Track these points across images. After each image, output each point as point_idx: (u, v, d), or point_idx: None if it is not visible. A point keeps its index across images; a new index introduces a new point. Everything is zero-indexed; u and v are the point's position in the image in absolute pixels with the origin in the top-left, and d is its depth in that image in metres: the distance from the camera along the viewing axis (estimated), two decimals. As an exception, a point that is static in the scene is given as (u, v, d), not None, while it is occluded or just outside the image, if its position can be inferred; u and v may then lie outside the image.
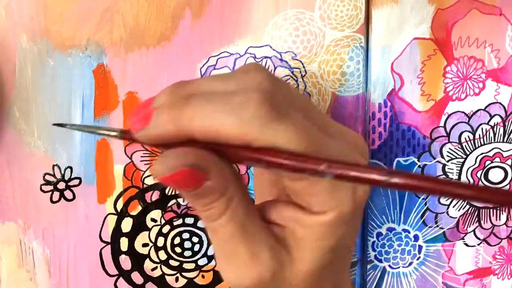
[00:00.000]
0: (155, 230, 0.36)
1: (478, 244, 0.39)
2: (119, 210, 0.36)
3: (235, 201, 0.24)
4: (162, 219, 0.36)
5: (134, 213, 0.36)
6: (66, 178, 0.35)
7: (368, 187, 0.26)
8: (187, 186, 0.23)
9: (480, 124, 0.37)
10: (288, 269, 0.26)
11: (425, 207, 0.38)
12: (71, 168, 0.35)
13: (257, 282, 0.25)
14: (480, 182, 0.38)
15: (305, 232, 0.25)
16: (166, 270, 0.37)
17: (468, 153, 0.38)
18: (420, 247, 0.39)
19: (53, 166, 0.35)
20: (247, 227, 0.25)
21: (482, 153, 0.38)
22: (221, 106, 0.22)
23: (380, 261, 0.38)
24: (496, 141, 0.38)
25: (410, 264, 0.39)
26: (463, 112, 0.37)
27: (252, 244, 0.25)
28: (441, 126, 0.37)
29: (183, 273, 0.37)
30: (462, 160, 0.38)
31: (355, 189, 0.25)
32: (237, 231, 0.25)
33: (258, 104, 0.22)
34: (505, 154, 0.38)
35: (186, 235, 0.37)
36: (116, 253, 0.36)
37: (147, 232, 0.36)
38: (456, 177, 0.38)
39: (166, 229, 0.36)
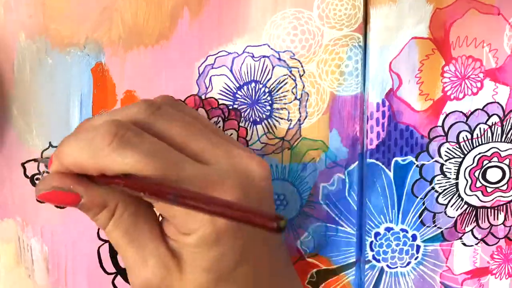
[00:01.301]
0: (153, 229, 0.36)
1: (476, 244, 0.39)
2: (117, 208, 0.36)
3: (118, 213, 0.28)
4: (160, 216, 0.36)
5: (132, 211, 0.36)
6: (64, 176, 0.35)
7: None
8: (65, 203, 0.28)
9: (478, 124, 0.37)
10: (177, 281, 0.28)
11: (423, 207, 0.38)
12: (69, 166, 0.35)
13: (144, 284, 0.29)
14: (478, 182, 0.38)
15: (182, 250, 0.28)
16: (164, 268, 0.37)
17: (466, 152, 0.38)
18: (418, 247, 0.39)
19: (52, 164, 0.35)
20: (134, 235, 0.29)
21: (480, 153, 0.38)
22: (79, 142, 0.27)
23: (378, 261, 0.38)
24: (494, 140, 0.38)
25: (408, 264, 0.39)
26: (461, 112, 0.37)
27: (140, 251, 0.29)
28: (439, 126, 0.37)
29: (181, 272, 0.37)
30: (460, 159, 0.38)
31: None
32: (123, 238, 0.29)
33: (102, 137, 0.26)
34: (503, 154, 0.38)
35: (183, 234, 0.37)
36: (114, 251, 0.36)
37: (145, 231, 0.36)
38: (454, 177, 0.38)
39: (163, 227, 0.36)
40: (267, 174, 0.29)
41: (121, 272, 0.37)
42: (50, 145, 0.35)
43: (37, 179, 0.35)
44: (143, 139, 0.27)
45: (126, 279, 0.37)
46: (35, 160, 0.35)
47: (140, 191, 0.26)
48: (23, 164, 0.35)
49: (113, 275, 0.37)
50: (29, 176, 0.35)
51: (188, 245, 0.28)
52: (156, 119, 0.28)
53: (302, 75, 0.36)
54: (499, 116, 0.37)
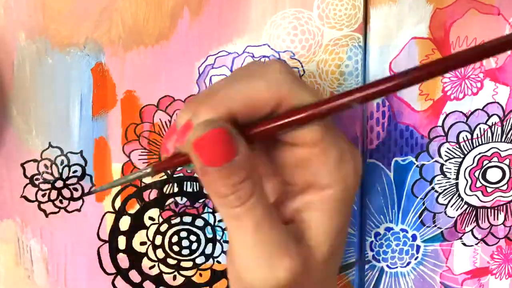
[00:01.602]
0: (153, 229, 0.36)
1: (476, 244, 0.39)
2: (117, 208, 0.36)
3: (259, 186, 0.24)
4: (160, 217, 0.36)
5: (132, 211, 0.36)
6: (64, 176, 0.35)
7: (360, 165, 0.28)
8: (217, 158, 0.23)
9: (478, 124, 0.37)
10: (309, 260, 0.26)
11: (423, 207, 0.38)
12: (69, 166, 0.35)
13: (292, 275, 0.24)
14: (478, 182, 0.38)
15: (315, 215, 0.26)
16: (164, 268, 0.37)
17: (466, 152, 0.38)
18: (418, 247, 0.39)
19: (51, 164, 0.35)
20: (273, 215, 0.25)
21: (480, 153, 0.38)
22: (250, 78, 0.25)
23: (378, 261, 0.38)
24: (494, 140, 0.38)
25: (408, 264, 0.39)
26: (461, 112, 0.37)
27: (281, 234, 0.24)
28: (439, 126, 0.37)
29: (181, 272, 0.37)
30: (460, 159, 0.38)
31: (356, 164, 0.27)
32: (265, 218, 0.24)
33: (280, 69, 0.26)
34: (503, 154, 0.38)
35: (183, 234, 0.37)
36: (114, 251, 0.36)
37: (145, 231, 0.36)
38: (454, 177, 0.38)
39: (164, 227, 0.36)
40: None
41: (121, 272, 0.37)
42: (50, 145, 0.35)
43: (36, 179, 0.35)
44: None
45: (126, 279, 0.36)
46: (89, 192, 0.33)
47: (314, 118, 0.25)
48: (22, 165, 0.35)
49: (113, 276, 0.36)
50: (29, 176, 0.35)
51: (327, 200, 0.26)
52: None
53: (302, 75, 0.36)
54: (499, 116, 0.37)
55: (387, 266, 0.39)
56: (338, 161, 0.26)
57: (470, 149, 0.38)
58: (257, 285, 0.25)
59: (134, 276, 0.37)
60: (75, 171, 0.35)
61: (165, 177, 0.36)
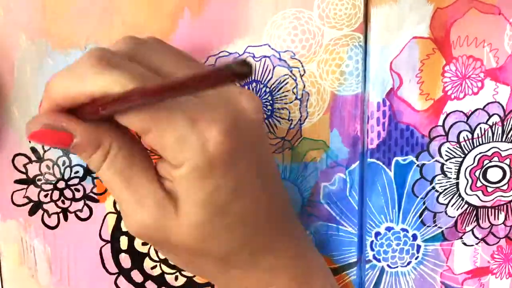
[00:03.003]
0: (154, 229, 0.36)
1: (477, 244, 0.39)
2: (118, 209, 0.36)
3: (112, 153, 0.28)
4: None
5: (133, 211, 0.36)
6: (66, 177, 0.35)
7: (222, 138, 0.27)
8: (57, 143, 0.28)
9: (479, 124, 0.37)
10: (173, 220, 0.28)
11: (424, 207, 0.38)
12: (70, 167, 0.35)
13: (140, 226, 0.28)
14: (478, 182, 0.38)
15: (177, 186, 0.27)
16: (166, 268, 0.37)
17: (466, 152, 0.38)
18: (419, 246, 0.39)
19: (53, 165, 0.35)
20: (129, 176, 0.28)
21: (480, 153, 0.38)
22: (66, 71, 0.27)
23: (379, 260, 0.39)
24: (494, 140, 0.38)
25: (409, 263, 0.39)
26: (461, 112, 0.37)
27: (136, 192, 0.28)
28: (439, 125, 0.37)
29: (183, 272, 0.37)
30: (460, 159, 0.38)
31: (204, 142, 0.26)
32: (118, 179, 0.28)
33: (88, 60, 0.26)
34: (503, 154, 0.38)
35: (185, 234, 0.37)
36: (116, 251, 0.36)
37: (146, 231, 0.36)
38: (455, 176, 0.38)
39: (165, 227, 0.36)
40: (259, 107, 0.29)
41: (123, 272, 0.37)
42: (52, 146, 0.35)
43: (38, 179, 0.35)
44: (129, 63, 0.27)
45: (128, 279, 0.37)
46: None
47: (129, 102, 0.25)
48: (24, 165, 0.35)
49: (115, 275, 0.37)
50: (31, 177, 0.35)
51: (181, 178, 0.27)
52: (142, 50, 0.29)
53: (303, 75, 0.36)
54: (499, 116, 0.37)
55: (388, 265, 0.39)
56: (178, 143, 0.26)
57: (470, 148, 0.38)
58: (128, 228, 0.29)
59: (136, 276, 0.37)
60: (76, 172, 0.35)
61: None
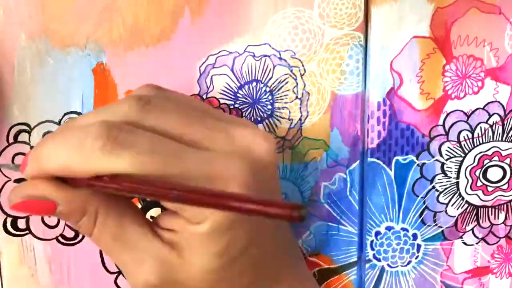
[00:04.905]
0: (154, 228, 0.36)
1: (477, 243, 0.39)
2: (118, 208, 0.36)
3: (101, 218, 0.27)
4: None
5: (133, 211, 0.36)
6: (66, 176, 0.35)
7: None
8: (40, 213, 0.27)
9: (479, 123, 0.37)
10: (180, 271, 0.27)
11: (424, 206, 0.38)
12: (70, 166, 0.35)
13: (146, 286, 0.27)
14: (478, 181, 0.38)
15: (190, 239, 0.27)
16: (166, 267, 0.37)
17: (466, 151, 0.38)
18: (419, 246, 0.39)
19: (53, 164, 0.35)
20: (123, 237, 0.27)
21: (480, 152, 0.38)
22: (67, 145, 0.25)
23: (379, 260, 0.39)
24: (494, 140, 0.38)
25: (409, 263, 0.39)
26: (462, 111, 0.37)
27: (133, 252, 0.27)
28: (440, 125, 0.37)
29: (182, 271, 0.37)
30: (460, 158, 0.38)
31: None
32: (112, 242, 0.27)
33: (94, 139, 0.25)
34: (503, 153, 0.38)
35: (185, 233, 0.37)
36: (115, 250, 0.36)
37: (146, 230, 0.36)
38: (455, 176, 0.38)
39: (165, 227, 0.36)
40: (273, 149, 0.28)
41: (123, 271, 0.37)
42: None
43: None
44: (137, 136, 0.25)
45: (128, 278, 0.37)
46: None
47: (136, 192, 0.24)
48: (24, 165, 0.35)
49: (115, 274, 0.37)
50: (31, 176, 0.35)
51: (198, 234, 0.26)
52: (148, 113, 0.27)
53: (303, 74, 0.36)
54: (500, 115, 0.37)
55: (388, 265, 0.39)
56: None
57: (470, 148, 0.38)
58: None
59: (136, 275, 0.37)
60: (76, 171, 0.35)
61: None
